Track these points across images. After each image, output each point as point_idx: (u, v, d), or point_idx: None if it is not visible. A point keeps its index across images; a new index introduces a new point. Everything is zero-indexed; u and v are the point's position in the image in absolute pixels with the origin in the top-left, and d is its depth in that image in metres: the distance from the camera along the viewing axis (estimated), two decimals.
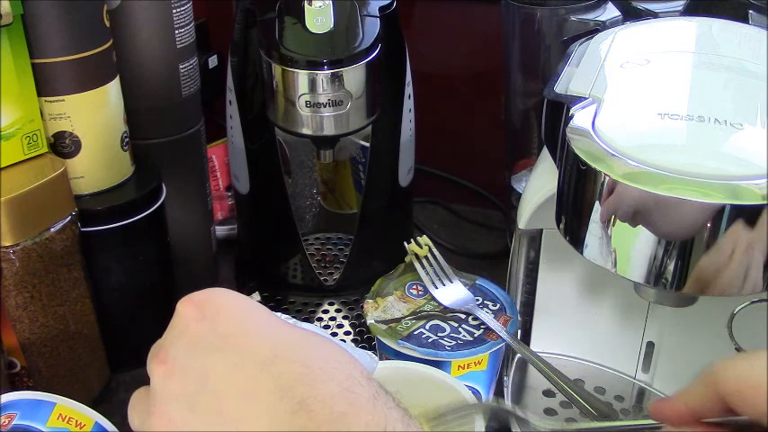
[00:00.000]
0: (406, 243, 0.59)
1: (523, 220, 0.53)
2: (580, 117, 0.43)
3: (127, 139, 0.62)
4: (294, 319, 0.40)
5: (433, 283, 0.57)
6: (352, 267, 0.70)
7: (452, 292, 0.56)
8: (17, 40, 0.52)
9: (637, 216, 0.39)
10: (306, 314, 0.69)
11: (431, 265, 0.58)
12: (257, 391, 0.30)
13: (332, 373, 0.31)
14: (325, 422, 0.29)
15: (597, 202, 0.40)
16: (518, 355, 0.60)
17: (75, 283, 0.57)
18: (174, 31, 0.64)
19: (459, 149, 0.91)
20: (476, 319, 0.54)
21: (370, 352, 0.41)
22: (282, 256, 0.71)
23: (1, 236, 0.51)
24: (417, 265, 0.58)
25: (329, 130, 0.58)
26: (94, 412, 0.47)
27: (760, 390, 0.28)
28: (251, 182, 0.67)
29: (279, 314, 0.40)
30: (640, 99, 0.44)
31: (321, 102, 0.56)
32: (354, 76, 0.56)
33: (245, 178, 0.67)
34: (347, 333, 0.67)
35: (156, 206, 0.62)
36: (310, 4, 0.55)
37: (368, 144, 0.66)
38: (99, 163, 0.60)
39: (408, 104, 0.67)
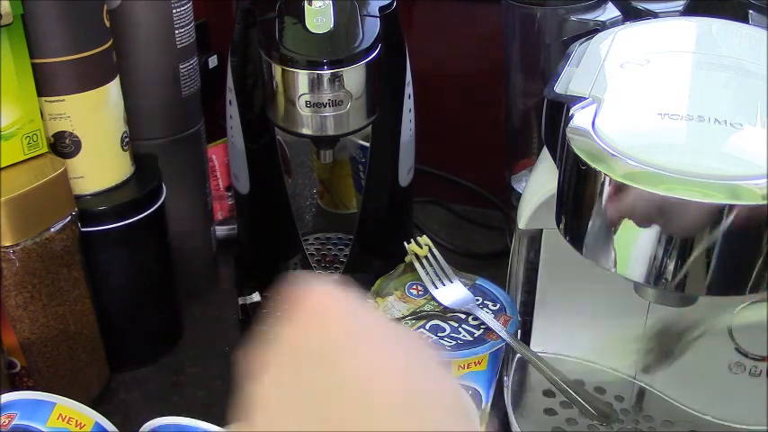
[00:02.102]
0: (406, 243, 0.59)
1: (523, 220, 0.53)
2: (580, 117, 0.43)
3: (127, 139, 0.62)
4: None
5: (433, 283, 0.57)
6: (352, 267, 0.70)
7: (452, 292, 0.56)
8: (17, 40, 0.52)
9: (637, 216, 0.39)
10: None
11: (431, 265, 0.58)
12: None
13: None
14: None
15: (597, 203, 0.40)
16: (518, 355, 0.60)
17: (75, 283, 0.57)
18: (174, 31, 0.64)
19: (460, 149, 0.91)
20: (476, 319, 0.54)
21: None
22: (282, 256, 0.71)
23: (1, 236, 0.51)
24: (417, 265, 0.58)
25: (329, 130, 0.58)
26: (94, 412, 0.47)
27: None
28: (251, 182, 0.67)
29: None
30: (640, 99, 0.44)
31: (321, 102, 0.56)
32: (354, 76, 0.56)
33: (245, 178, 0.67)
34: None
35: (156, 206, 0.62)
36: (310, 4, 0.55)
37: (368, 144, 0.66)
38: (99, 163, 0.60)
39: (408, 104, 0.67)
